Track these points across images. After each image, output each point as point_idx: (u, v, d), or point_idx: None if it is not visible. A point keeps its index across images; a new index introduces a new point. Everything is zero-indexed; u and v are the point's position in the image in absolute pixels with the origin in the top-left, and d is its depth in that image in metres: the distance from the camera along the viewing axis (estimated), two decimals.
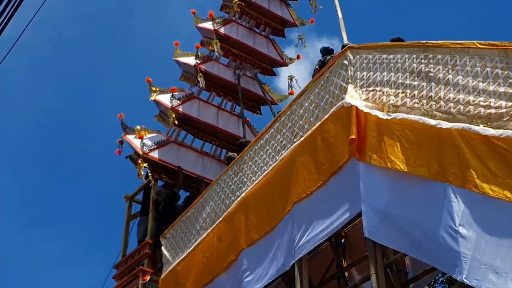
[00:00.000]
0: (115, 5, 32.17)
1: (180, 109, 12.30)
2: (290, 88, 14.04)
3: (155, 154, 11.71)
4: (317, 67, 8.70)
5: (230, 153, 10.57)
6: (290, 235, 6.65)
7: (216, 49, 13.08)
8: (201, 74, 12.76)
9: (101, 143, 29.58)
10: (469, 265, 4.64)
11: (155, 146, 11.85)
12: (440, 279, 10.12)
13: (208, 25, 13.59)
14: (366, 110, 5.95)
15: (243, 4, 13.82)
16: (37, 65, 31.04)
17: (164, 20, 31.61)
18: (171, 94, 12.42)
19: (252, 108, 13.85)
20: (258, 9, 14.31)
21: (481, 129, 4.81)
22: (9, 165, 29.76)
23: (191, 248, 8.39)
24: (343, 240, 7.97)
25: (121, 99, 29.44)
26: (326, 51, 8.94)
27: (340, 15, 8.39)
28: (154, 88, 12.43)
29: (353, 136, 5.81)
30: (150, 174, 11.65)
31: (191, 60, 13.17)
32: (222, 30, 13.54)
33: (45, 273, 30.03)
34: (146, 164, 11.42)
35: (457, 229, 4.82)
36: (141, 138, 11.77)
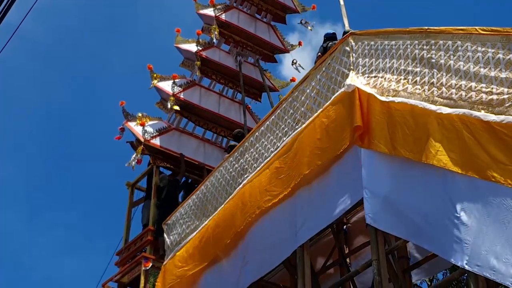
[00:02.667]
0: None
1: (182, 96, 12.30)
2: (298, 69, 14.06)
3: (156, 141, 11.72)
4: (319, 53, 8.68)
5: (231, 142, 10.59)
6: (291, 221, 6.67)
7: (214, 35, 13.05)
8: (198, 61, 12.75)
9: (103, 130, 29.63)
10: (470, 251, 4.66)
11: (157, 133, 11.85)
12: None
13: (209, 11, 13.53)
14: (368, 90, 5.93)
15: None
16: (39, 53, 30.99)
17: (167, 7, 31.50)
18: (172, 81, 12.42)
19: (254, 95, 13.81)
20: None
21: (482, 114, 4.80)
22: (13, 153, 29.85)
23: (193, 235, 8.42)
24: (345, 227, 8.00)
25: (124, 87, 29.42)
26: (328, 37, 8.91)
27: (341, 1, 8.34)
28: (155, 75, 12.42)
29: (358, 124, 5.80)
30: (151, 161, 11.69)
31: (192, 47, 13.14)
32: (223, 16, 13.49)
33: (48, 260, 30.22)
34: (141, 151, 11.45)
35: (458, 215, 4.82)
36: (142, 125, 11.78)
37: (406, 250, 7.04)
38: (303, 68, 14.02)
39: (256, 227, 7.21)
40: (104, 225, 30.57)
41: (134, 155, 11.51)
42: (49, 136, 30.99)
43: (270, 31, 14.34)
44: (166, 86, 12.35)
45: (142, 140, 11.52)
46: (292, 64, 14.25)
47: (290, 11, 14.62)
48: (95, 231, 30.57)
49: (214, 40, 13.43)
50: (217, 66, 13.19)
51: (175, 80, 12.45)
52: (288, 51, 14.33)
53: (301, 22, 14.59)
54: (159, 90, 12.47)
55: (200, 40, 13.25)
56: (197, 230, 8.33)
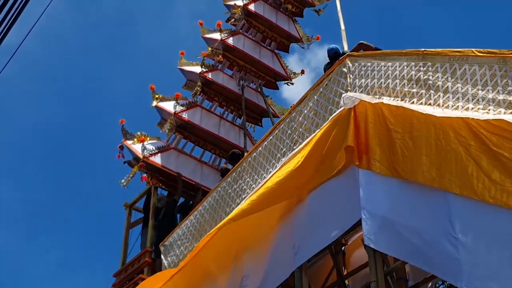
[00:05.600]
0: (118, 13, 32.31)
1: (183, 116, 12.37)
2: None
3: (155, 159, 11.73)
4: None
5: (228, 165, 10.60)
6: (289, 243, 6.64)
7: (210, 53, 13.24)
8: (200, 83, 12.89)
9: (102, 151, 29.64)
10: (469, 272, 4.63)
11: (156, 151, 11.87)
12: (441, 287, 10.09)
13: (215, 35, 13.77)
14: (364, 98, 5.95)
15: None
16: (39, 74, 31.16)
17: (169, 28, 31.76)
18: (174, 100, 12.52)
19: (254, 120, 13.93)
20: (265, 22, 14.52)
21: (470, 113, 4.81)
22: (11, 173, 29.83)
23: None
24: (343, 248, 7.96)
25: (124, 107, 29.53)
26: (334, 56, 8.96)
27: (342, 27, 8.52)
28: (157, 96, 12.52)
29: (349, 144, 5.81)
30: (148, 180, 11.67)
31: (196, 69, 13.30)
32: (229, 40, 13.71)
33: (46, 282, 30.00)
34: (138, 169, 11.47)
35: (456, 236, 4.81)
36: (142, 141, 11.81)
37: (405, 271, 7.00)
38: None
39: (255, 248, 7.17)
40: (103, 246, 30.44)
41: (130, 174, 11.52)
42: (47, 157, 30.99)
43: (274, 58, 14.56)
44: (168, 105, 12.45)
45: (141, 157, 11.52)
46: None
47: (294, 40, 14.92)
48: (93, 252, 30.43)
49: (219, 64, 13.61)
50: (219, 88, 13.32)
51: (178, 100, 12.57)
52: (290, 79, 14.55)
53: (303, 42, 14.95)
54: (160, 110, 12.55)
55: (205, 62, 13.43)
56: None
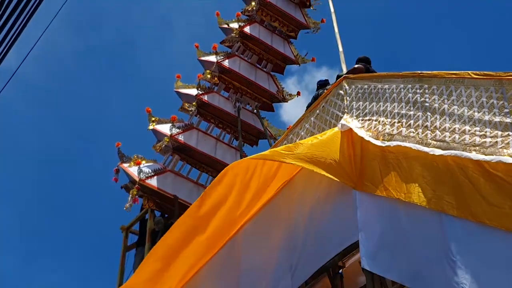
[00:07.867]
0: (118, 38, 32.47)
1: (179, 138, 12.38)
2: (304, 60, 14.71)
3: (152, 182, 11.71)
4: (310, 102, 8.74)
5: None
6: (287, 264, 6.59)
7: (206, 75, 13.32)
8: (196, 103, 12.95)
9: (99, 174, 29.58)
10: None
11: (152, 174, 11.85)
12: None
13: (211, 58, 13.86)
14: (360, 133, 5.95)
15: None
16: (38, 97, 31.21)
17: (167, 52, 31.90)
18: (170, 123, 12.54)
19: (250, 141, 13.96)
20: (261, 45, 14.62)
21: (473, 155, 4.81)
22: (8, 197, 29.70)
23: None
24: (341, 270, 7.92)
25: (121, 131, 29.55)
26: (321, 85, 9.02)
27: (340, 49, 8.57)
28: (153, 118, 12.55)
29: (343, 169, 5.81)
30: (144, 203, 11.63)
31: (192, 91, 13.36)
32: (225, 63, 13.79)
33: None
34: (136, 193, 11.42)
35: (454, 258, 4.78)
36: (138, 164, 11.80)
37: None
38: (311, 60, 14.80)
39: (254, 270, 7.12)
40: (100, 269, 30.24)
41: (130, 197, 11.48)
42: (45, 180, 30.91)
43: (270, 80, 14.64)
44: (164, 128, 12.47)
45: (137, 179, 11.49)
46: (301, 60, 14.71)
47: (290, 62, 15.03)
48: (91, 275, 30.20)
49: (215, 87, 13.67)
50: (216, 110, 13.36)
51: (174, 123, 12.59)
52: (286, 101, 14.64)
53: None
54: (156, 132, 12.56)
55: (201, 84, 13.49)
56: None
